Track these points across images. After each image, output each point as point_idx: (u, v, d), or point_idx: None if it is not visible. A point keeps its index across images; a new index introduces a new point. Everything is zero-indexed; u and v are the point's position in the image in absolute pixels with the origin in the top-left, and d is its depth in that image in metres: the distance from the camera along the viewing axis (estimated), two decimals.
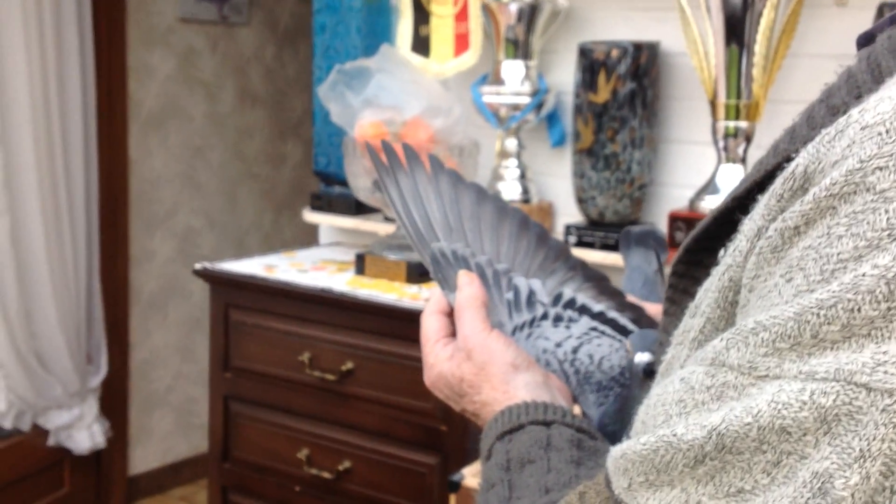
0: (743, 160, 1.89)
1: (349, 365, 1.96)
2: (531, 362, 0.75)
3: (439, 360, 0.77)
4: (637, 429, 0.50)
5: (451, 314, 0.80)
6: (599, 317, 0.79)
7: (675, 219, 1.89)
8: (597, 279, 0.81)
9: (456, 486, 1.58)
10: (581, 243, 2.01)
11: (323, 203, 2.41)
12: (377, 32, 2.34)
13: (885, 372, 0.38)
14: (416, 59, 2.15)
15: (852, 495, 0.39)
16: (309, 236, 3.93)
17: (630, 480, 0.47)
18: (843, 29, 1.87)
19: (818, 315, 0.40)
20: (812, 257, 0.42)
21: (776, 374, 0.42)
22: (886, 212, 0.39)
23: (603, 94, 1.96)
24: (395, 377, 1.91)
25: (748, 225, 0.48)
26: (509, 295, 0.79)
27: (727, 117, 1.87)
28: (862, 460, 0.39)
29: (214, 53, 3.59)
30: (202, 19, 3.52)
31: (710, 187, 1.90)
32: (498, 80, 2.12)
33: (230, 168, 3.70)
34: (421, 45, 2.17)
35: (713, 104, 1.88)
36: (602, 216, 2.01)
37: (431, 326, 0.79)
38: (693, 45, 1.89)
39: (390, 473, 1.93)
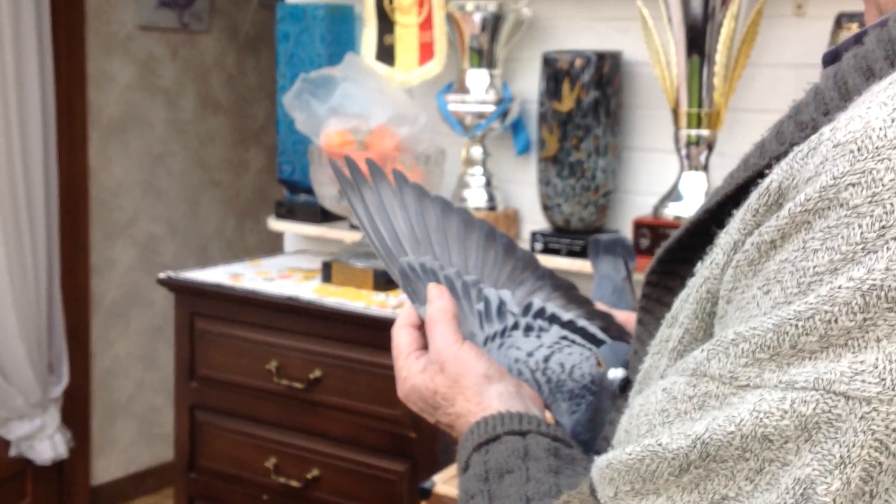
0: (705, 168, 1.92)
1: (317, 373, 1.96)
2: (503, 373, 0.76)
3: (412, 373, 0.77)
4: (620, 438, 0.51)
5: (421, 327, 0.80)
6: (569, 325, 0.80)
7: (639, 225, 1.92)
8: (565, 288, 0.82)
9: (427, 493, 1.59)
10: (547, 250, 2.03)
11: (288, 211, 2.41)
12: (341, 41, 2.35)
13: (863, 381, 0.40)
14: (381, 67, 2.16)
15: (834, 500, 0.40)
16: (272, 244, 3.92)
17: (616, 489, 0.48)
18: (801, 39, 1.91)
19: (797, 326, 0.42)
20: (789, 270, 0.43)
21: (756, 384, 0.43)
22: (860, 226, 0.41)
23: (567, 103, 1.98)
24: (363, 385, 1.91)
25: (724, 238, 0.49)
26: (479, 306, 0.79)
27: (689, 126, 1.90)
28: (842, 466, 0.40)
29: (175, 61, 3.57)
30: (162, 27, 3.51)
31: (673, 194, 1.93)
32: (463, 89, 2.13)
33: (192, 175, 3.68)
34: (385, 53, 2.18)
35: (675, 113, 1.91)
36: (568, 223, 2.04)
37: (403, 340, 0.80)
38: (655, 55, 1.92)
39: (359, 481, 1.94)
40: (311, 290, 2.03)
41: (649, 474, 0.46)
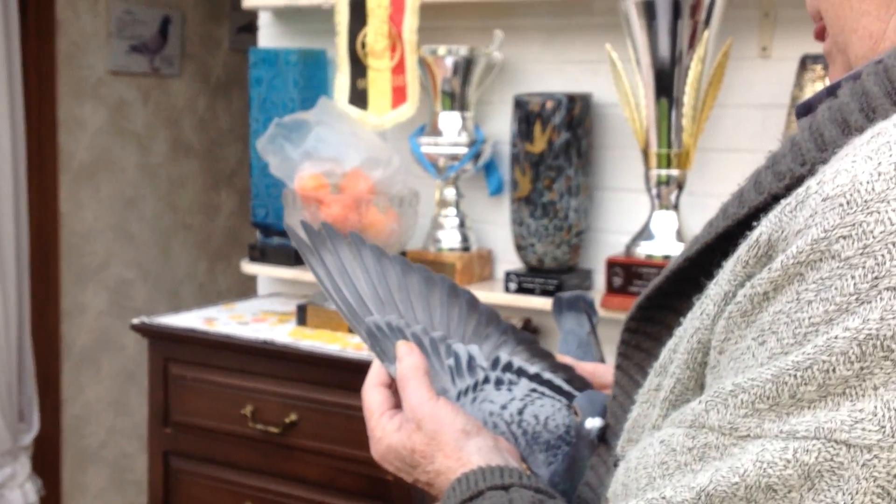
0: (675, 207, 1.95)
1: (293, 417, 1.95)
2: (480, 427, 0.76)
3: (387, 432, 0.76)
4: (618, 492, 0.51)
5: (391, 386, 0.80)
6: (536, 378, 0.81)
7: (612, 264, 1.94)
8: (528, 342, 0.83)
9: None
10: (521, 289, 2.04)
11: (261, 254, 2.41)
12: (313, 85, 2.36)
13: (863, 429, 0.41)
14: (354, 111, 2.18)
15: None
16: (244, 287, 3.91)
17: None
18: (767, 80, 1.95)
19: (795, 376, 0.43)
20: (784, 321, 0.44)
21: (757, 434, 0.44)
22: (853, 277, 0.42)
23: (539, 144, 2.00)
24: (339, 428, 1.91)
25: (714, 290, 0.50)
26: (450, 361, 0.80)
27: (659, 166, 1.93)
28: None
29: (146, 105, 3.58)
30: (133, 71, 3.51)
31: (644, 233, 1.96)
32: (436, 131, 2.15)
33: (163, 219, 3.68)
34: (358, 97, 2.20)
35: (646, 153, 1.94)
36: (541, 263, 2.05)
37: (374, 399, 0.79)
38: (625, 97, 1.95)
39: None
40: (286, 334, 2.03)
41: None
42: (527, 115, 2.01)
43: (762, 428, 0.44)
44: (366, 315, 0.81)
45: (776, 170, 0.56)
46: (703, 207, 2.02)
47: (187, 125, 3.75)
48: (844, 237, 0.43)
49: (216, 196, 3.90)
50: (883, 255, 0.42)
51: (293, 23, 2.47)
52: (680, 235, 1.94)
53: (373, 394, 0.80)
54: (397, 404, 0.79)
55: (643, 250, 1.94)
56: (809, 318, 0.44)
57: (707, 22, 1.85)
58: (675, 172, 1.93)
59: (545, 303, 1.98)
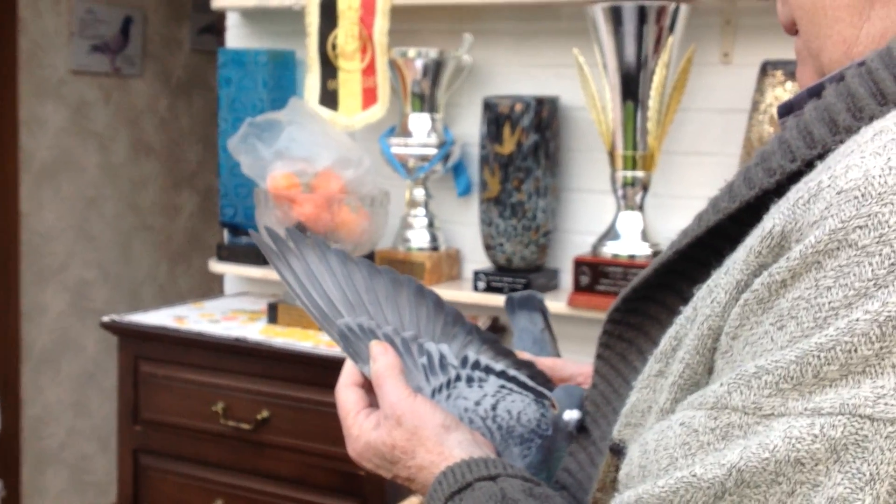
0: (640, 207, 2.00)
1: (265, 413, 1.97)
2: (458, 422, 0.78)
3: (364, 430, 0.78)
4: (633, 473, 0.54)
5: (364, 385, 0.82)
6: (503, 375, 0.83)
7: (579, 263, 1.98)
8: (491, 341, 0.86)
9: None
10: (490, 288, 2.08)
11: (229, 253, 2.42)
12: (283, 86, 2.38)
13: (886, 403, 0.45)
14: (325, 112, 2.20)
15: None
16: (206, 287, 3.90)
17: None
18: (728, 85, 2.01)
19: (819, 357, 0.46)
20: (803, 307, 0.48)
21: (781, 413, 0.47)
22: (870, 264, 0.46)
23: (508, 146, 2.04)
24: (312, 424, 1.93)
25: (725, 279, 0.54)
26: (423, 360, 0.82)
27: (625, 167, 1.98)
28: (872, 483, 0.45)
29: (108, 105, 3.57)
30: (95, 71, 3.50)
31: (611, 233, 2.00)
32: (405, 133, 2.19)
33: (124, 219, 3.66)
34: (329, 98, 2.23)
35: (612, 155, 1.99)
36: (510, 262, 2.09)
37: (349, 399, 0.81)
38: (591, 101, 2.00)
39: None
40: (257, 331, 2.05)
41: None
42: (496, 117, 2.05)
43: (786, 406, 0.47)
44: (336, 317, 0.82)
45: (766, 166, 0.59)
46: (667, 208, 2.07)
47: (148, 125, 3.74)
48: (861, 227, 0.46)
49: (177, 197, 3.90)
50: None
51: (261, 24, 2.49)
52: (645, 235, 1.99)
53: (347, 393, 0.82)
54: (371, 403, 0.81)
55: (609, 250, 1.99)
56: (829, 303, 0.47)
57: (671, 28, 1.90)
58: (640, 174, 1.98)
59: None
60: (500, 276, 2.09)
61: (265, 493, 1.99)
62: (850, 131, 0.54)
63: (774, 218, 0.51)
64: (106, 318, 2.14)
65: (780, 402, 0.47)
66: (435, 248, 2.21)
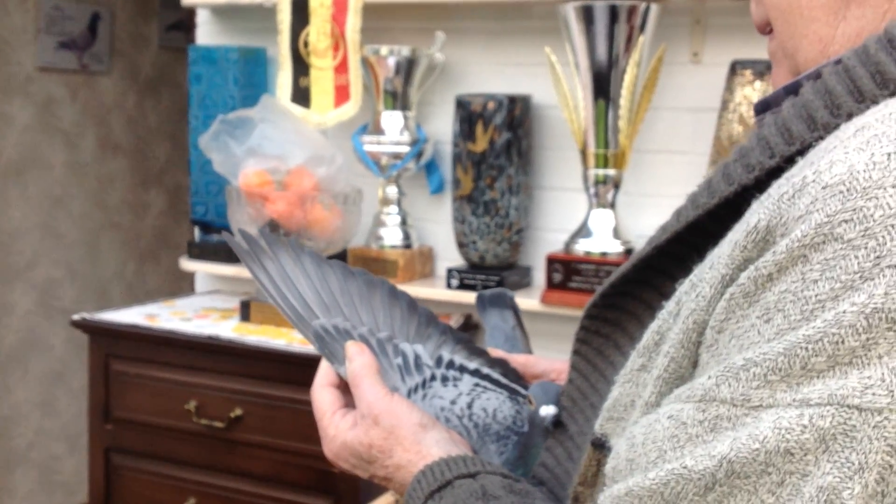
0: (612, 205, 2.02)
1: (238, 412, 1.97)
2: (435, 421, 0.78)
3: (340, 430, 0.78)
4: (620, 466, 0.55)
5: (340, 386, 0.82)
6: (477, 373, 0.84)
7: (552, 261, 2.00)
8: (465, 341, 0.87)
9: None
10: (463, 286, 2.09)
11: (201, 251, 2.41)
12: (254, 83, 2.38)
13: (874, 394, 0.46)
14: (297, 109, 2.20)
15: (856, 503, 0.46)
16: (174, 286, 3.88)
17: None
18: (698, 84, 2.03)
19: (806, 349, 0.47)
20: (790, 300, 0.49)
21: (770, 404, 0.48)
22: (856, 257, 0.47)
23: (481, 144, 2.05)
24: (285, 422, 1.93)
25: (710, 273, 0.54)
26: (398, 360, 0.82)
27: (597, 165, 1.99)
28: (861, 472, 0.45)
29: (75, 102, 3.54)
30: (62, 68, 3.47)
31: (583, 231, 2.02)
32: (378, 130, 2.19)
33: (92, 218, 3.63)
34: (301, 96, 2.22)
35: (584, 153, 2.00)
36: (483, 259, 2.10)
37: (325, 399, 0.81)
38: (564, 99, 2.01)
39: None
40: (230, 329, 2.04)
41: (673, 497, 0.50)
42: (469, 115, 2.06)
43: (775, 398, 0.48)
44: (312, 319, 0.83)
45: (745, 162, 0.60)
46: (638, 206, 2.09)
47: (116, 123, 3.71)
48: (846, 221, 0.47)
49: (145, 195, 3.87)
50: (883, 237, 0.46)
51: (231, 20, 2.48)
52: (617, 233, 2.01)
53: (323, 394, 0.82)
54: (347, 404, 0.81)
55: (581, 247, 2.01)
56: (816, 296, 0.48)
57: (642, 28, 1.92)
58: (611, 172, 2.00)
59: None
60: (472, 274, 2.09)
61: (239, 492, 1.98)
62: (828, 128, 0.55)
63: (759, 213, 0.52)
64: (76, 317, 2.12)
65: (768, 394, 0.48)
66: (408, 246, 2.22)
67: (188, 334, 2.01)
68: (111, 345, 2.10)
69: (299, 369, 1.91)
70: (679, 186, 2.06)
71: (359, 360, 0.80)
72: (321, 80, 2.20)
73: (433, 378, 0.83)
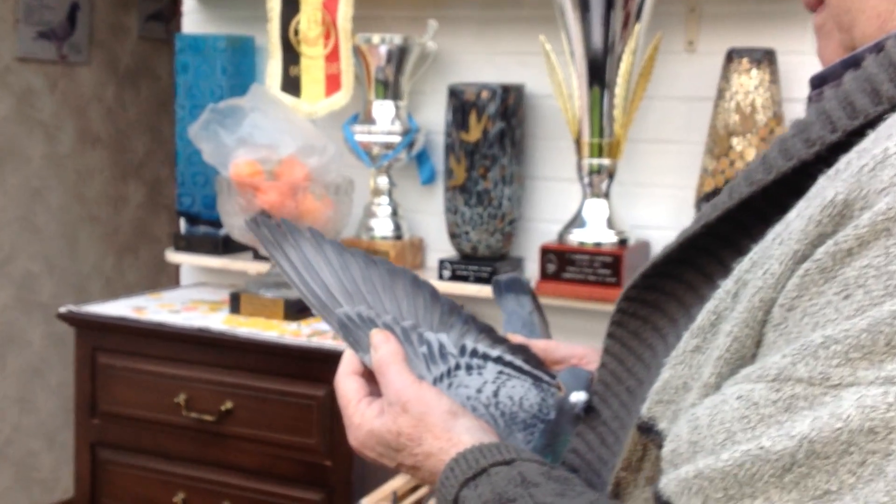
0: (606, 195, 2.00)
1: (228, 405, 1.94)
2: (464, 409, 0.77)
3: (367, 418, 0.77)
4: (681, 449, 0.53)
5: (364, 374, 0.81)
6: (500, 361, 0.83)
7: (546, 251, 1.98)
8: (487, 330, 0.86)
9: None
10: (455, 277, 2.07)
11: (187, 243, 2.38)
12: (242, 72, 2.34)
13: None
14: (287, 98, 2.17)
15: None
16: (153, 280, 3.83)
17: (705, 498, 0.50)
18: (692, 73, 2.02)
19: (891, 325, 0.45)
20: (872, 275, 0.47)
21: (850, 382, 0.46)
22: None
23: (474, 133, 2.03)
24: (276, 415, 1.90)
25: (779, 250, 0.53)
26: (423, 349, 0.81)
27: (591, 155, 1.98)
28: None
29: (54, 93, 3.48)
30: (41, 58, 3.41)
31: (577, 221, 2.00)
32: (369, 120, 2.16)
33: (70, 211, 3.58)
34: (291, 85, 2.19)
35: (578, 143, 1.99)
36: (475, 250, 2.08)
37: (350, 387, 0.80)
38: (558, 88, 1.99)
39: None
40: (220, 322, 2.01)
41: (748, 478, 0.48)
42: (462, 105, 2.04)
43: (856, 376, 0.46)
44: (335, 307, 0.82)
45: (805, 137, 0.59)
46: (631, 196, 2.08)
47: (95, 115, 3.66)
48: None
49: (124, 188, 3.82)
50: None
51: (218, 9, 2.45)
52: (611, 223, 2.00)
53: (347, 382, 0.81)
54: (371, 393, 0.80)
55: (576, 237, 1.99)
56: None
57: (638, 15, 1.91)
58: (606, 161, 1.98)
59: (479, 290, 2.01)
60: (465, 265, 2.07)
61: (229, 486, 1.95)
62: (893, 101, 0.54)
63: (835, 187, 0.50)
64: (63, 309, 2.08)
65: (849, 372, 0.47)
66: (398, 237, 2.19)
67: (177, 326, 1.98)
68: (98, 338, 2.06)
69: (291, 362, 1.88)
70: (673, 176, 2.05)
71: (385, 347, 0.78)
72: (312, 68, 2.17)
73: (458, 367, 0.82)
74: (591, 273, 1.95)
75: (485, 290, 2.00)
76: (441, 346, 0.82)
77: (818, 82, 0.65)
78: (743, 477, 0.48)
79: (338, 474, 1.86)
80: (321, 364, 1.84)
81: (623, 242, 1.99)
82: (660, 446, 0.59)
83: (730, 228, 0.65)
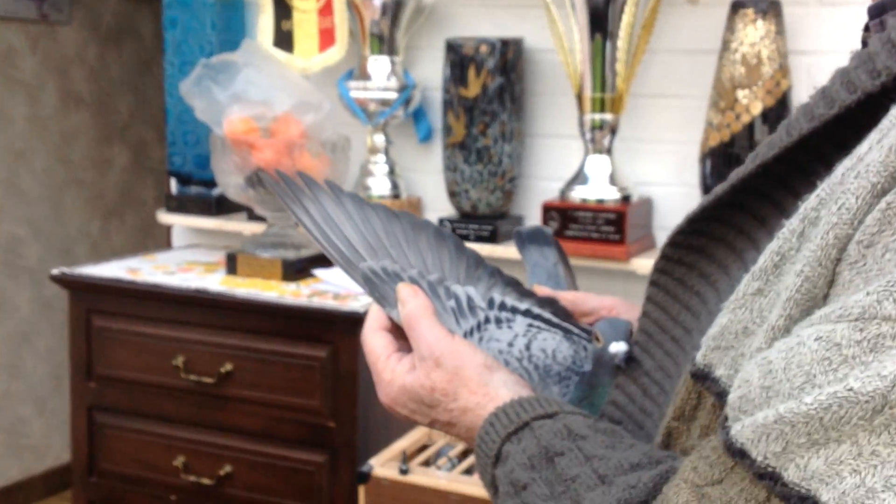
0: (608, 151, 1.97)
1: (228, 367, 1.91)
2: (498, 363, 0.75)
3: (398, 374, 0.75)
4: (751, 395, 0.50)
5: (392, 330, 0.79)
6: (528, 314, 0.81)
7: (548, 209, 1.95)
8: (514, 283, 0.83)
9: (365, 477, 1.58)
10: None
11: (179, 204, 2.34)
12: (232, 28, 2.29)
13: None
14: (279, 54, 2.12)
15: None
16: (140, 244, 3.78)
17: (786, 444, 0.47)
18: (695, 26, 1.99)
19: None
20: None
21: None
22: None
23: (473, 89, 1.99)
24: (277, 376, 1.87)
25: (856, 183, 0.50)
26: (451, 303, 0.79)
27: (593, 110, 1.95)
28: None
29: (35, 53, 3.40)
30: (21, 17, 3.33)
31: (579, 177, 1.98)
32: (364, 76, 2.12)
33: (54, 174, 3.52)
34: (283, 39, 2.14)
35: (580, 98, 1.95)
36: (475, 209, 2.05)
37: (378, 343, 0.78)
38: (559, 41, 1.95)
39: (275, 475, 1.90)
40: (217, 283, 1.98)
41: (835, 422, 0.46)
42: (460, 59, 2.00)
43: None
44: (359, 261, 0.80)
45: (869, 68, 0.56)
46: (633, 152, 2.05)
47: (78, 75, 3.58)
48: None
49: (109, 150, 3.75)
50: None
51: None
52: (613, 179, 1.97)
53: (375, 338, 0.78)
54: (400, 349, 0.78)
55: (578, 195, 1.96)
56: None
57: None
58: (608, 117, 1.95)
59: (479, 249, 1.98)
60: (465, 224, 2.04)
61: (230, 448, 1.93)
62: None
63: None
64: (55, 271, 2.04)
65: None
66: (396, 196, 2.16)
67: (174, 288, 1.94)
68: (92, 300, 2.02)
69: (292, 322, 1.86)
70: (676, 132, 2.02)
71: (413, 301, 0.76)
72: (304, 23, 2.12)
73: (487, 320, 0.79)
74: (595, 230, 1.93)
75: (485, 249, 1.97)
76: (469, 300, 0.80)
77: (877, 11, 0.62)
78: (829, 420, 0.46)
79: (342, 436, 1.84)
80: (322, 324, 1.82)
81: (626, 199, 1.96)
82: (717, 394, 0.57)
83: (784, 169, 0.62)
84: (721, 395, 0.57)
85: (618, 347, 0.74)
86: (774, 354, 0.50)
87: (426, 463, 1.69)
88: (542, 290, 0.86)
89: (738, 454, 0.49)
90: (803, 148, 0.61)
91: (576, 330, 0.83)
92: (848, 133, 0.58)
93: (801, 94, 1.88)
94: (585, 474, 0.61)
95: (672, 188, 2.03)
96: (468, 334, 0.78)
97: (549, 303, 0.83)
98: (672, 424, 0.62)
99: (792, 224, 0.55)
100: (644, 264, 1.92)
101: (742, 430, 0.50)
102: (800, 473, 0.47)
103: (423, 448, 1.78)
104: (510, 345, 0.79)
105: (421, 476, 1.58)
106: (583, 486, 0.61)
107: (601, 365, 0.76)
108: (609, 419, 0.73)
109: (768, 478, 0.48)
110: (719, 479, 0.51)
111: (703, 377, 0.59)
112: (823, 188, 0.54)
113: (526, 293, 0.83)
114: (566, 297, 0.86)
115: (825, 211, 0.52)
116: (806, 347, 0.48)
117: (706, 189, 1.90)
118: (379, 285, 0.80)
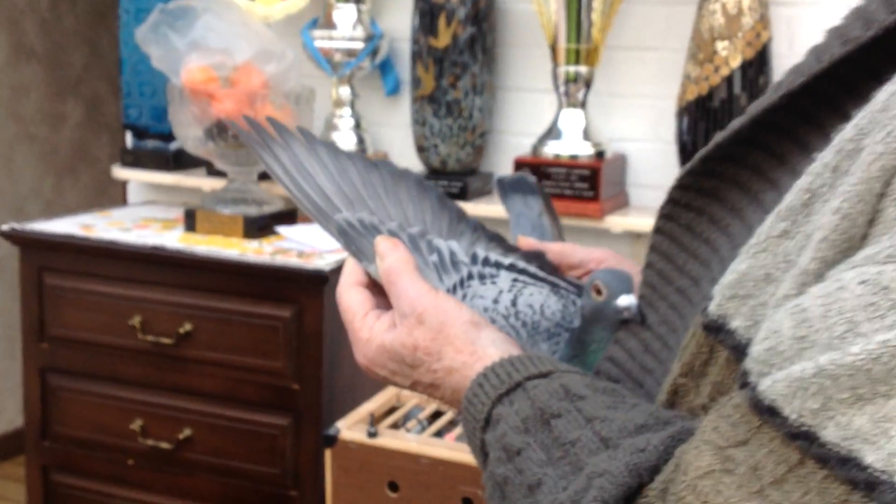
0: (583, 105, 1.91)
1: (187, 327, 1.83)
2: (486, 319, 0.69)
3: (376, 332, 0.69)
4: (785, 347, 0.44)
5: (369, 286, 0.74)
6: (513, 268, 0.76)
7: (520, 164, 1.89)
8: (497, 238, 0.79)
9: (332, 440, 1.52)
10: None
11: (135, 159, 2.24)
12: None
13: None
14: (241, 0, 2.03)
15: None
16: (94, 203, 3.67)
17: (826, 399, 0.42)
18: None
19: None
20: None
21: None
22: None
23: (444, 39, 1.92)
24: (239, 337, 1.80)
25: None
26: (434, 257, 0.74)
27: (567, 62, 1.88)
28: None
29: None
30: None
31: (552, 132, 1.91)
32: (330, 25, 2.04)
33: (5, 129, 3.39)
34: None
35: (553, 49, 1.89)
36: (444, 165, 1.98)
37: (355, 300, 0.72)
38: None
39: (237, 438, 1.83)
40: (175, 240, 1.90)
41: (884, 373, 0.41)
42: (430, 8, 1.92)
43: None
44: (334, 212, 0.75)
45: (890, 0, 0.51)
46: (608, 107, 1.99)
47: (29, 27, 3.45)
48: None
49: (62, 105, 3.63)
50: None
51: None
52: (587, 135, 1.91)
53: (351, 294, 0.73)
54: (378, 305, 0.72)
55: (551, 150, 1.90)
56: None
57: None
58: (583, 69, 1.89)
59: None
60: (434, 180, 1.98)
61: (189, 411, 1.86)
62: None
63: None
64: (5, 227, 1.95)
65: None
66: (363, 151, 2.08)
67: (130, 244, 1.86)
68: (44, 257, 1.93)
69: (254, 281, 1.78)
70: (652, 86, 1.97)
71: (393, 255, 0.70)
72: None
73: (471, 276, 0.74)
74: (568, 187, 1.87)
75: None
76: (452, 254, 0.75)
77: None
78: (878, 373, 0.40)
79: (306, 398, 1.78)
80: (287, 283, 1.75)
81: (600, 155, 1.90)
82: (732, 347, 0.52)
83: (808, 102, 0.57)
84: (737, 349, 0.51)
85: (628, 301, 0.68)
86: (809, 301, 0.44)
87: (395, 426, 1.63)
88: (527, 242, 0.81)
89: (766, 412, 0.44)
90: (830, 78, 0.55)
91: (563, 284, 0.77)
92: (883, 61, 0.52)
93: (781, 47, 1.83)
94: (586, 437, 0.56)
95: (647, 144, 1.97)
96: (451, 291, 0.73)
97: (536, 257, 0.78)
98: (679, 381, 0.57)
99: (825, 157, 0.49)
100: (618, 222, 1.87)
101: (773, 385, 0.44)
102: (840, 433, 0.41)
103: (392, 410, 1.72)
104: (495, 301, 0.73)
105: (390, 439, 1.52)
106: (584, 451, 0.55)
107: (599, 320, 0.71)
108: (606, 377, 0.67)
109: (802, 437, 0.42)
110: (744, 440, 0.45)
111: (716, 329, 0.53)
112: (862, 116, 0.48)
113: (510, 248, 0.79)
114: (552, 248, 0.80)
115: (868, 140, 0.46)
116: (848, 292, 0.43)
117: (682, 145, 1.85)
118: (356, 238, 0.74)
